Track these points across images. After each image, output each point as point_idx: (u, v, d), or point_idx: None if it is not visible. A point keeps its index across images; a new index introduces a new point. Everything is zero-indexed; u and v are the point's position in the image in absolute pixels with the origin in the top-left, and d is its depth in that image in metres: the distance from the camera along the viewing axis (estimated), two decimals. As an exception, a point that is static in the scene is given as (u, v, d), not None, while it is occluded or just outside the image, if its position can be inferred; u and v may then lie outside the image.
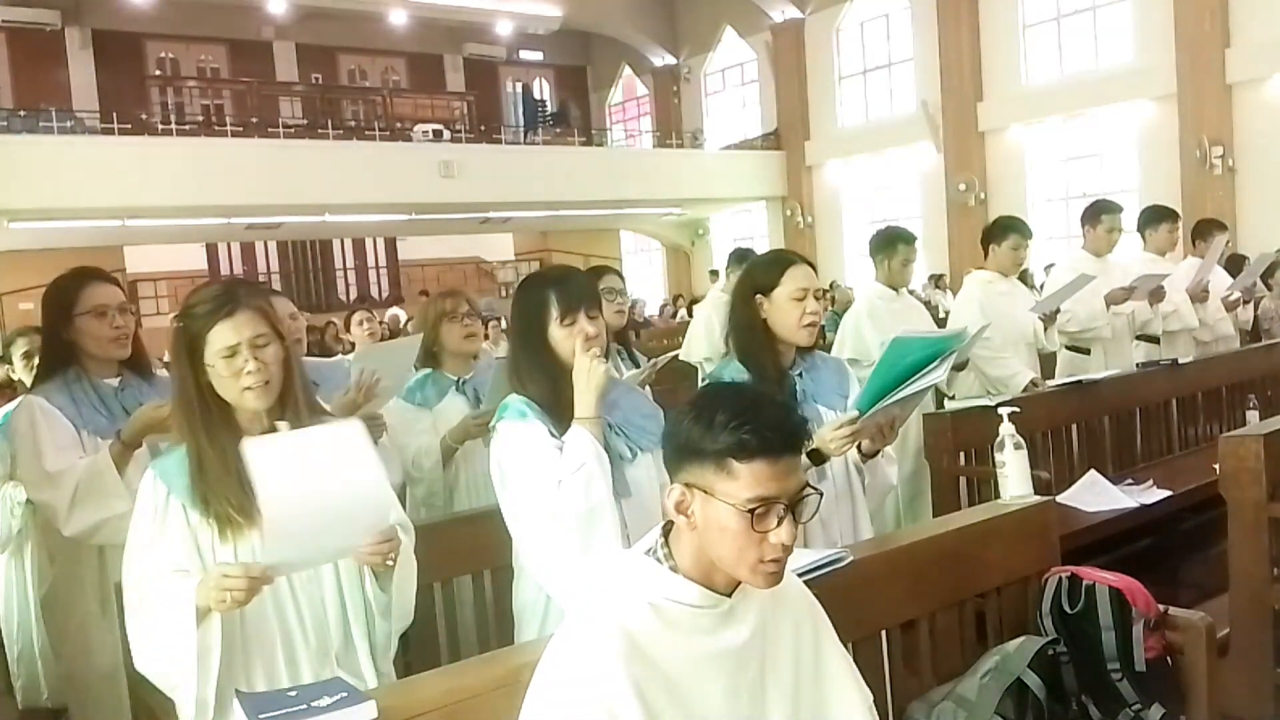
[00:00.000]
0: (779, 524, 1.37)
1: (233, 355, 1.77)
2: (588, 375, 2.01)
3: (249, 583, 1.64)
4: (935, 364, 2.16)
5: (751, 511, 1.36)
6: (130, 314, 2.68)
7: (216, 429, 1.80)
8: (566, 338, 2.07)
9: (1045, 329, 4.48)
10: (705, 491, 1.38)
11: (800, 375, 2.49)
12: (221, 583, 1.64)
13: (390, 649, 1.96)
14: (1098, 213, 4.88)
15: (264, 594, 1.74)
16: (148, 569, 1.77)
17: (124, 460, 2.47)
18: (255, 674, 1.81)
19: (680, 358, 7.27)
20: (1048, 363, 4.95)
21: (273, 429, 1.82)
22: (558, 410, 2.06)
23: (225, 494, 1.76)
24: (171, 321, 1.89)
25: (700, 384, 4.35)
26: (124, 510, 2.40)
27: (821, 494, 1.45)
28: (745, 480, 1.36)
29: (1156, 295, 4.78)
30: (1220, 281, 5.40)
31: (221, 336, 1.77)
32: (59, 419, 2.52)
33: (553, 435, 2.05)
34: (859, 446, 2.34)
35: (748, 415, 1.37)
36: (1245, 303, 5.57)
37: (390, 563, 1.78)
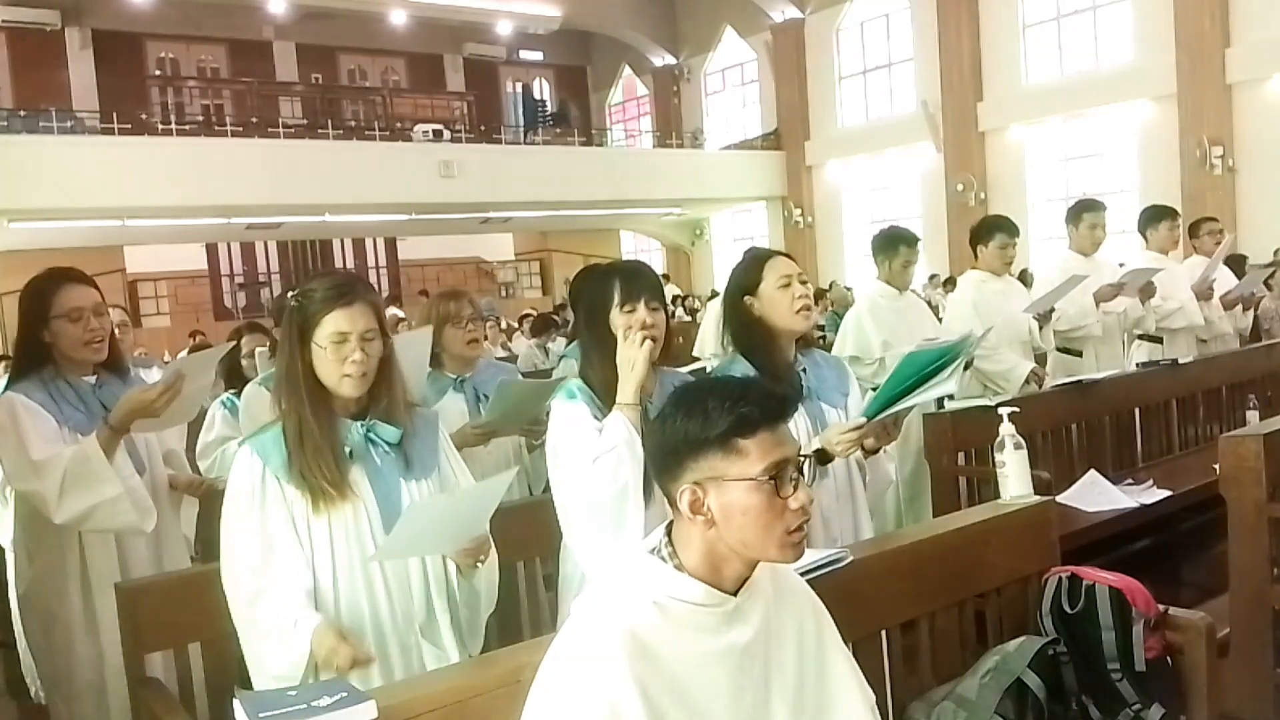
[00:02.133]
0: (795, 488, 1.40)
1: (343, 342, 1.90)
2: (629, 363, 2.13)
3: (354, 665, 1.81)
4: (946, 373, 2.17)
5: (772, 479, 1.38)
6: (106, 315, 2.66)
7: (319, 405, 1.93)
8: (625, 324, 2.18)
9: (1040, 328, 4.48)
10: (717, 480, 1.39)
11: (804, 371, 2.51)
12: (332, 656, 1.81)
13: (477, 634, 2.10)
14: (1079, 211, 4.87)
15: (355, 568, 1.93)
16: (254, 558, 1.88)
17: (112, 446, 2.47)
18: None
19: (693, 354, 7.28)
20: (1042, 364, 4.94)
21: (362, 414, 1.98)
22: (614, 393, 2.17)
23: (321, 466, 1.89)
24: (288, 299, 2.00)
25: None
26: (114, 495, 2.41)
27: (810, 456, 1.49)
28: (755, 453, 1.39)
29: (1146, 291, 4.77)
30: (1224, 280, 5.39)
31: (336, 322, 1.90)
32: (41, 413, 2.52)
33: (597, 417, 2.17)
34: (862, 444, 2.35)
35: (738, 393, 1.41)
36: (1247, 308, 5.56)
37: (479, 564, 1.96)
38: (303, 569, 1.90)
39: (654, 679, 1.37)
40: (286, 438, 1.92)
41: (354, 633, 1.90)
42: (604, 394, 2.19)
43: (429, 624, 2.00)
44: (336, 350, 1.90)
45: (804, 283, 2.50)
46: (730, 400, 1.39)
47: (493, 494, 1.87)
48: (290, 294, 2.00)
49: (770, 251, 2.60)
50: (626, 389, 2.13)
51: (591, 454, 2.12)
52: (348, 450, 1.94)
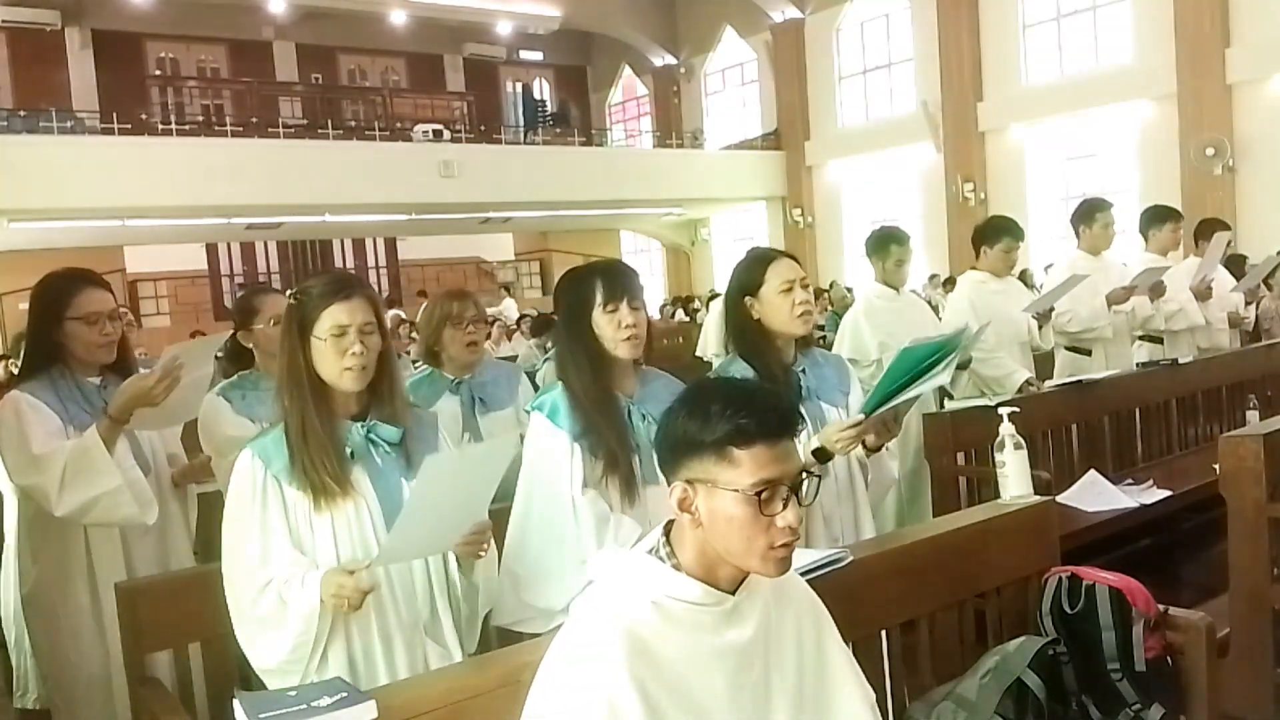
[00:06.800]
0: (784, 506, 1.39)
1: (342, 335, 1.91)
2: None
3: (361, 595, 1.81)
4: (941, 366, 2.18)
5: (758, 495, 1.37)
6: (120, 320, 2.68)
7: (321, 403, 1.93)
8: (608, 324, 2.17)
9: (1040, 328, 4.48)
10: (708, 484, 1.39)
11: (803, 372, 2.51)
12: (340, 590, 1.80)
13: (474, 631, 2.10)
14: (1091, 211, 4.87)
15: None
16: (258, 555, 1.87)
17: (113, 437, 2.47)
18: (354, 644, 1.93)
19: (696, 354, 7.32)
20: (1046, 363, 4.95)
21: (362, 414, 1.98)
22: (595, 393, 2.16)
23: (324, 462, 1.89)
24: (287, 297, 2.02)
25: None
26: (114, 486, 2.41)
27: (820, 476, 1.50)
28: (748, 466, 1.38)
29: (1157, 290, 4.77)
30: (1223, 281, 5.39)
31: (335, 316, 1.91)
32: (46, 411, 2.53)
33: (580, 441, 2.13)
34: (864, 442, 2.36)
35: (742, 402, 1.40)
36: (1248, 304, 5.57)
37: (482, 554, 1.95)
38: (306, 564, 1.89)
39: (653, 679, 1.37)
40: (289, 436, 1.91)
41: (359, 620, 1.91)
42: (586, 398, 2.16)
43: (433, 622, 2.01)
44: (336, 343, 1.90)
45: (806, 286, 2.49)
46: (732, 408, 1.39)
47: (502, 455, 1.86)
48: (289, 292, 2.01)
49: (774, 252, 2.58)
50: None
51: (565, 494, 2.11)
52: (349, 451, 1.94)
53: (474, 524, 1.89)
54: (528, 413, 2.27)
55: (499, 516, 2.10)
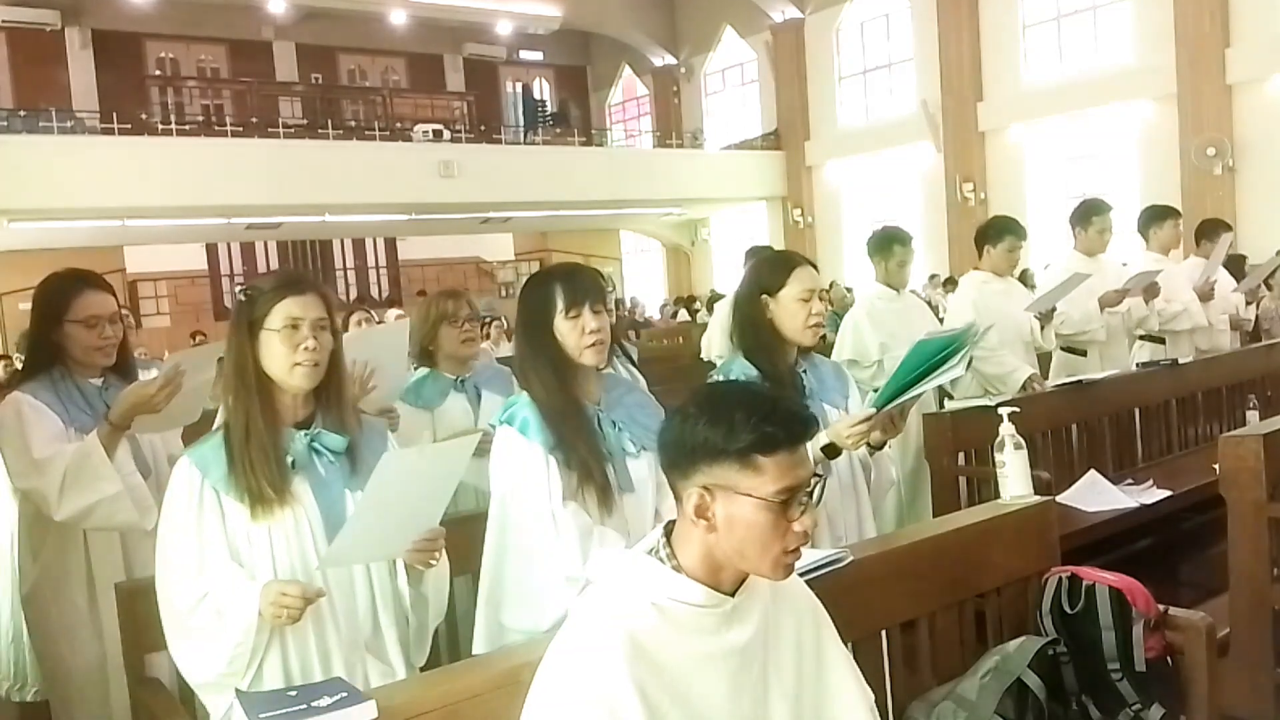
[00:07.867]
0: (802, 511, 1.40)
1: (295, 328, 1.84)
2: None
3: (304, 603, 1.76)
4: (953, 360, 2.18)
5: (782, 502, 1.38)
6: (120, 323, 2.67)
7: (267, 405, 1.86)
8: (571, 330, 2.10)
9: (1042, 328, 4.48)
10: (728, 490, 1.39)
11: (805, 373, 2.53)
12: (280, 600, 1.74)
13: (425, 644, 2.03)
14: (1088, 214, 4.86)
15: (298, 580, 1.83)
16: (194, 566, 1.82)
17: (113, 443, 2.47)
18: (291, 660, 1.86)
19: (700, 355, 7.32)
20: (1045, 363, 4.94)
21: (308, 422, 1.90)
22: (562, 403, 2.09)
23: (263, 467, 1.82)
24: (238, 294, 1.94)
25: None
26: (114, 492, 2.42)
27: (826, 477, 1.49)
28: (771, 473, 1.38)
29: (1151, 291, 4.77)
30: (1223, 282, 5.39)
31: (288, 309, 1.85)
32: (47, 413, 2.53)
33: (555, 454, 2.06)
34: (868, 439, 2.36)
35: (766, 410, 1.39)
36: (1248, 304, 5.57)
37: (433, 562, 1.87)
38: (243, 576, 1.83)
39: (653, 681, 1.37)
40: (230, 438, 1.85)
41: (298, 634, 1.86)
42: (554, 409, 2.09)
43: (375, 639, 1.94)
44: (289, 336, 1.83)
45: (822, 298, 2.50)
46: (757, 416, 1.38)
47: (460, 457, 1.79)
48: (238, 289, 1.96)
49: (799, 258, 2.57)
50: None
51: (544, 508, 2.04)
52: (290, 460, 1.86)
53: (426, 530, 1.83)
54: (492, 426, 2.18)
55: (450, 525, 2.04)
